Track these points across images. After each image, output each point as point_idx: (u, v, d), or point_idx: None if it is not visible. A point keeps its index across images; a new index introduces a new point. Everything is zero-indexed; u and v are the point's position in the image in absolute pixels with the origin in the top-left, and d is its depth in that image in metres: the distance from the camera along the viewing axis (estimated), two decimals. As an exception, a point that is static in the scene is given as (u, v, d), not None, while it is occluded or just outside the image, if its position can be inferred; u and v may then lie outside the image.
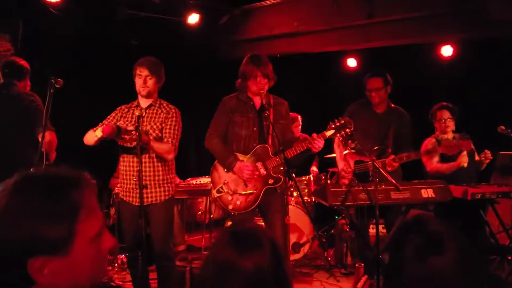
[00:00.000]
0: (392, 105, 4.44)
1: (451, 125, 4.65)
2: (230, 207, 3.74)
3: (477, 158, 4.71)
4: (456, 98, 4.91)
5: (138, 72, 3.66)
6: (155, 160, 3.65)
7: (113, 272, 4.83)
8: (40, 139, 3.71)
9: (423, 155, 4.24)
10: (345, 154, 4.38)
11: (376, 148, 4.19)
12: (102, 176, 5.56)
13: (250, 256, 1.28)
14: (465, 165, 4.45)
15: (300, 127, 5.90)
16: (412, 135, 4.41)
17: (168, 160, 3.71)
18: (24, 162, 3.50)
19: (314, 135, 3.62)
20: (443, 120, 4.65)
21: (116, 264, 4.94)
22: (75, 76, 5.00)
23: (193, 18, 6.35)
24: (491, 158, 4.66)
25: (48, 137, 3.71)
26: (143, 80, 3.64)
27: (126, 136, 3.46)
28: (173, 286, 3.87)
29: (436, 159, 4.66)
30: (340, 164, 4.40)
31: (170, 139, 3.66)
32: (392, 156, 4.05)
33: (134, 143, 3.48)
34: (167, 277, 3.80)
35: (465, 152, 4.44)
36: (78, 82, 5.25)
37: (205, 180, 5.35)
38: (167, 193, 3.72)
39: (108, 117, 3.78)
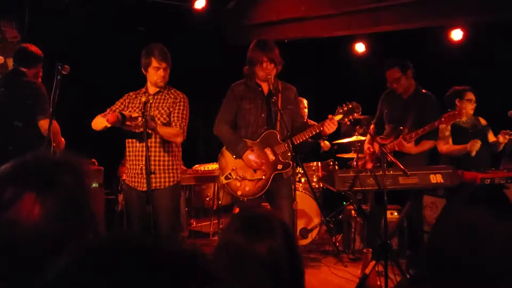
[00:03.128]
0: (423, 90, 4.39)
1: (474, 108, 4.64)
2: (239, 193, 3.74)
3: (492, 139, 4.66)
4: (465, 82, 4.85)
5: (156, 64, 3.62)
6: (160, 145, 3.66)
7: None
8: (40, 126, 3.74)
9: (437, 126, 4.16)
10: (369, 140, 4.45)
11: (390, 131, 4.16)
12: (111, 163, 5.58)
13: (263, 241, 1.28)
14: (473, 153, 4.42)
15: (306, 109, 5.86)
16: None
17: (175, 145, 3.72)
18: (25, 149, 3.50)
19: (330, 116, 3.61)
20: (472, 101, 4.61)
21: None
22: (83, 63, 5.00)
23: (200, 3, 6.31)
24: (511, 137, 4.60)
25: (47, 125, 3.70)
26: (162, 73, 3.64)
27: (131, 123, 3.45)
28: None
29: (449, 140, 4.65)
30: (365, 146, 4.44)
31: (178, 123, 3.66)
32: (401, 139, 4.04)
33: (141, 130, 3.48)
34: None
35: (478, 143, 4.41)
36: (86, 68, 5.24)
37: (213, 166, 5.36)
38: (172, 179, 3.72)
39: (117, 103, 3.79)
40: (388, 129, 4.40)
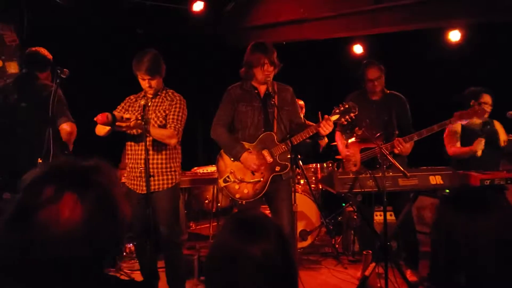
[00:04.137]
0: (387, 91, 4.44)
1: (489, 111, 4.52)
2: (237, 196, 3.74)
3: (503, 144, 4.63)
4: (463, 83, 4.85)
5: (139, 76, 3.65)
6: (159, 148, 3.66)
7: (122, 261, 4.85)
8: (60, 129, 3.74)
9: (436, 130, 4.15)
10: (349, 144, 4.36)
11: (380, 134, 4.16)
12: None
13: (257, 244, 1.28)
14: (479, 153, 4.39)
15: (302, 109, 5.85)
16: (413, 119, 4.38)
17: (174, 147, 3.71)
18: (44, 152, 3.50)
19: (326, 116, 3.61)
20: (488, 105, 4.50)
21: (124, 253, 4.96)
22: (81, 66, 4.99)
23: (198, 6, 6.31)
24: None
25: (69, 128, 3.75)
26: (147, 84, 3.65)
27: (122, 124, 3.41)
28: (181, 274, 3.88)
29: (457, 143, 4.63)
30: (344, 152, 4.39)
31: (173, 125, 3.65)
32: (398, 138, 4.04)
33: (134, 130, 3.51)
34: (175, 265, 3.81)
35: (483, 141, 4.39)
36: (84, 72, 5.23)
37: (212, 168, 5.35)
38: (170, 181, 3.72)
39: (118, 107, 3.82)
40: (367, 132, 4.32)
